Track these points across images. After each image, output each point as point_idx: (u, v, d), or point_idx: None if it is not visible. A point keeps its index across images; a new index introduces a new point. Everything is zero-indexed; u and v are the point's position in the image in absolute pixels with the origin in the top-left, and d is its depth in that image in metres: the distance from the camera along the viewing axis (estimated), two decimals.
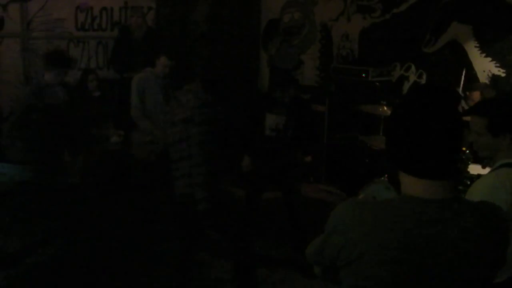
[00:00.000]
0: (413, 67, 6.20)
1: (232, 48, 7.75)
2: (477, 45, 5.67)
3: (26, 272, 1.69)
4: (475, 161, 4.54)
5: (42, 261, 1.68)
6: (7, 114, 5.49)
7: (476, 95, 5.11)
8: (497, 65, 5.53)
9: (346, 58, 6.86)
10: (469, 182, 4.15)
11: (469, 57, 5.73)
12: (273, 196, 5.29)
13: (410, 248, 1.47)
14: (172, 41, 7.29)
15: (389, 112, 5.08)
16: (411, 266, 1.47)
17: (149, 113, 5.21)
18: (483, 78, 5.60)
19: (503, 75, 5.50)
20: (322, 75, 7.11)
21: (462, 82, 5.39)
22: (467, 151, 4.40)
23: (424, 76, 6.12)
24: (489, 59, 5.59)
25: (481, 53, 5.65)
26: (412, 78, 6.21)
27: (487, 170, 4.22)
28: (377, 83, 6.04)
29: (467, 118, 3.26)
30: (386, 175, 5.15)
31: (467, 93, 5.27)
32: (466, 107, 5.10)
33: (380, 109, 5.26)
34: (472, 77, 5.67)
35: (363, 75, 6.00)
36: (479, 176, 4.02)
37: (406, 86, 6.24)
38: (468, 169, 4.39)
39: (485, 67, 5.61)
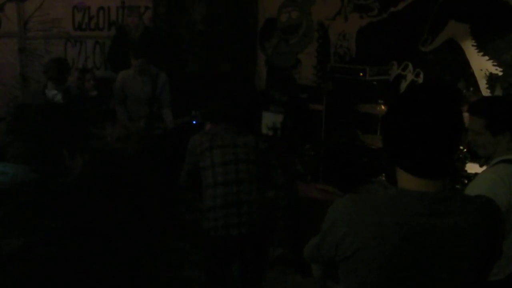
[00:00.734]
0: (410, 66, 6.19)
1: (229, 47, 7.75)
2: (475, 43, 5.67)
3: (26, 271, 1.68)
4: (473, 160, 4.55)
5: (42, 260, 1.68)
6: (4, 114, 5.49)
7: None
8: (495, 63, 5.53)
9: (344, 57, 6.85)
10: (466, 181, 4.16)
11: (466, 56, 5.72)
12: (271, 194, 5.28)
13: (406, 240, 1.48)
14: (169, 40, 7.29)
15: (386, 110, 5.08)
16: (408, 258, 1.49)
17: (130, 108, 5.25)
18: (480, 77, 5.60)
19: (500, 73, 5.50)
20: (319, 74, 7.10)
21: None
22: (465, 150, 4.40)
23: (422, 75, 6.11)
24: (487, 57, 5.59)
25: (478, 51, 5.65)
26: (410, 77, 6.20)
27: (484, 168, 4.24)
28: (375, 82, 6.04)
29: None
30: (384, 174, 5.15)
31: None
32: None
33: (378, 108, 5.26)
34: (469, 75, 5.67)
35: (361, 74, 5.99)
36: (476, 175, 4.02)
37: (404, 85, 6.24)
38: (466, 168, 4.39)
39: (483, 65, 5.61)
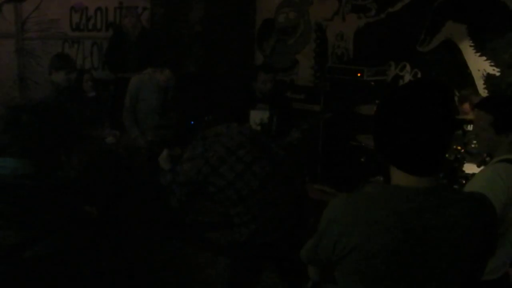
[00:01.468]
0: (408, 67, 6.21)
1: (227, 48, 7.75)
2: (472, 44, 5.68)
3: (25, 265, 1.69)
4: (470, 160, 4.56)
5: (41, 254, 1.68)
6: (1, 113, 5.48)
7: (466, 107, 5.08)
8: (492, 64, 5.54)
9: (341, 57, 6.86)
10: (464, 181, 4.16)
11: (464, 56, 5.74)
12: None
13: (402, 237, 1.49)
14: (167, 41, 7.28)
15: (376, 108, 5.08)
16: (404, 255, 1.49)
17: (140, 116, 5.18)
18: (477, 77, 5.61)
19: (498, 74, 5.52)
20: (317, 74, 7.12)
21: None
22: (462, 150, 4.40)
23: (419, 75, 6.12)
24: (484, 58, 5.60)
25: (475, 52, 5.66)
26: (407, 77, 6.21)
27: (482, 168, 4.24)
28: (372, 83, 6.05)
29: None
30: (381, 175, 5.15)
31: (458, 105, 5.20)
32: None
33: (375, 109, 5.26)
34: (466, 76, 5.68)
35: (358, 74, 6.00)
36: (474, 175, 4.02)
37: None
38: (463, 168, 4.40)
39: (480, 66, 5.62)
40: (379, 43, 6.39)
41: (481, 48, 5.62)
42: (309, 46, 7.22)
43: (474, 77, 5.64)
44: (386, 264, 1.49)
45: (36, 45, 6.36)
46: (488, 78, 5.52)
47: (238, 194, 2.98)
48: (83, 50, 6.88)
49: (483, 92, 5.54)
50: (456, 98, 5.16)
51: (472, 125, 4.90)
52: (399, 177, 1.57)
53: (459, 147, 4.38)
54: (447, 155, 4.10)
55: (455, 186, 4.06)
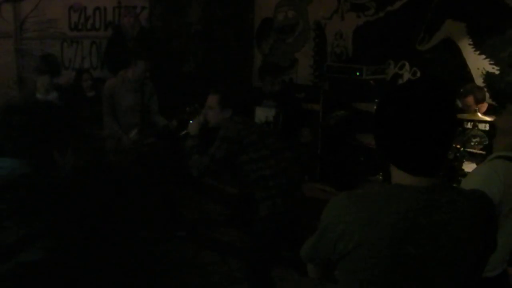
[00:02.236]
0: (407, 65, 6.20)
1: (226, 47, 7.75)
2: (471, 42, 5.67)
3: (24, 264, 1.69)
4: (470, 159, 4.56)
5: (40, 253, 1.69)
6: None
7: (470, 100, 5.08)
8: (491, 62, 5.54)
9: (340, 56, 6.86)
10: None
11: (463, 55, 5.73)
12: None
13: (403, 235, 1.48)
14: (165, 40, 7.28)
15: (376, 106, 5.07)
16: (405, 253, 1.49)
17: (120, 117, 5.19)
18: (477, 75, 5.61)
19: (497, 72, 5.51)
20: (316, 73, 7.11)
21: None
22: (462, 149, 4.41)
23: (418, 74, 6.12)
24: (483, 56, 5.60)
25: (475, 50, 5.65)
26: (406, 76, 6.21)
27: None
28: (371, 81, 6.05)
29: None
30: (381, 173, 5.16)
31: (461, 98, 5.20)
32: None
33: (374, 107, 5.26)
34: (466, 74, 5.68)
35: (357, 73, 6.00)
36: None
37: None
38: (463, 167, 4.40)
39: (479, 64, 5.62)
40: (378, 41, 6.39)
41: (480, 47, 5.62)
42: (308, 45, 7.22)
43: (473, 75, 5.63)
44: (388, 263, 1.49)
45: (34, 45, 6.35)
46: (487, 77, 5.52)
47: (262, 174, 3.57)
48: (82, 50, 6.87)
49: None
50: (461, 91, 5.17)
51: (470, 123, 4.92)
52: (399, 177, 1.56)
53: (458, 146, 4.39)
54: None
55: (455, 185, 4.07)
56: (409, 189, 1.52)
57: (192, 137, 3.93)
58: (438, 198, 1.51)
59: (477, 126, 4.86)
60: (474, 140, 4.72)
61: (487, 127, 4.92)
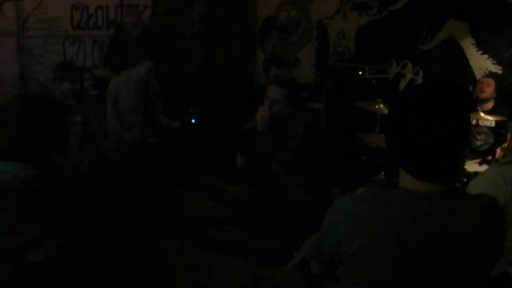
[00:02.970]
0: (409, 65, 6.19)
1: (228, 46, 7.74)
2: (474, 42, 5.66)
3: (29, 267, 1.69)
4: (472, 159, 4.55)
5: (45, 255, 1.68)
6: None
7: (487, 80, 5.12)
8: (494, 62, 5.53)
9: (343, 55, 6.85)
10: (465, 180, 4.16)
11: (465, 54, 5.72)
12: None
13: (408, 241, 1.46)
14: (167, 39, 7.28)
15: (385, 109, 5.08)
16: (409, 258, 1.46)
17: (123, 115, 5.19)
18: (479, 75, 5.60)
19: (500, 72, 5.50)
20: (319, 72, 7.11)
21: None
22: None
23: (421, 74, 6.11)
24: (486, 56, 5.58)
25: (477, 50, 5.64)
26: (409, 75, 6.20)
27: (484, 167, 4.25)
28: (374, 81, 6.04)
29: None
30: (383, 173, 5.15)
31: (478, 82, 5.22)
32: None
33: (377, 107, 5.26)
34: (468, 74, 5.67)
35: (360, 72, 5.99)
36: (475, 173, 4.02)
37: (403, 84, 6.24)
38: (465, 167, 4.39)
39: (482, 64, 5.61)
40: (380, 41, 6.38)
41: (483, 46, 5.61)
42: (310, 44, 7.21)
43: (476, 75, 5.62)
44: (390, 268, 1.47)
45: (37, 44, 6.36)
46: (490, 76, 5.50)
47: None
48: (84, 49, 6.87)
49: None
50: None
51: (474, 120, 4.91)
52: (407, 180, 1.54)
53: None
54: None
55: (457, 185, 4.06)
56: (415, 194, 1.50)
57: (262, 133, 3.95)
58: (444, 204, 1.49)
59: (479, 124, 4.86)
60: (479, 138, 4.71)
61: (492, 123, 4.90)
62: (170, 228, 5.03)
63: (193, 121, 5.20)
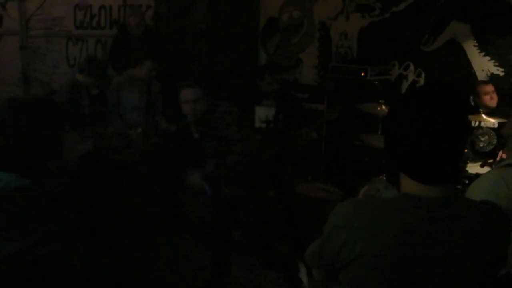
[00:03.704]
0: (411, 66, 6.20)
1: (231, 46, 7.74)
2: (476, 44, 5.67)
3: (23, 273, 1.68)
4: (474, 160, 4.55)
5: (38, 262, 1.67)
6: None
7: (490, 87, 5.11)
8: (496, 64, 5.53)
9: (345, 57, 6.85)
10: (467, 181, 4.15)
11: (468, 56, 5.73)
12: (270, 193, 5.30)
13: (409, 247, 1.45)
14: (170, 39, 7.29)
15: (387, 111, 5.08)
16: (411, 265, 1.45)
17: (125, 115, 5.21)
18: (482, 77, 5.60)
19: (502, 74, 5.51)
20: (321, 73, 7.11)
21: None
22: (466, 150, 4.40)
23: (423, 75, 6.12)
24: (488, 58, 5.59)
25: (480, 52, 5.65)
26: (411, 77, 6.21)
27: (485, 169, 4.25)
28: (376, 82, 6.04)
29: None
30: (384, 174, 5.15)
31: (478, 88, 5.20)
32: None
33: (379, 108, 5.26)
34: (471, 76, 5.67)
35: (362, 74, 6.00)
36: (477, 175, 4.01)
37: (405, 85, 6.24)
38: (467, 168, 4.39)
39: (484, 66, 5.62)
40: (383, 42, 6.38)
41: (485, 48, 5.61)
42: (312, 45, 7.21)
43: (478, 77, 5.63)
44: (392, 275, 1.46)
45: (40, 43, 6.36)
46: (492, 78, 5.51)
47: None
48: (87, 48, 6.88)
49: None
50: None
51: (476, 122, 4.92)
52: (409, 185, 1.52)
53: None
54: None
55: (458, 186, 4.05)
56: (416, 200, 1.48)
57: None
58: (447, 211, 1.47)
59: (481, 126, 4.86)
60: (482, 139, 4.71)
61: (495, 124, 4.90)
62: (171, 228, 5.04)
63: None
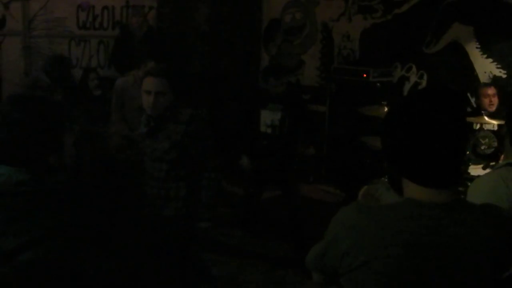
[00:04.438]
0: (414, 68, 6.19)
1: (233, 48, 7.75)
2: (478, 46, 5.67)
3: (20, 270, 1.68)
4: (476, 163, 4.55)
5: (36, 259, 1.67)
6: None
7: (492, 90, 5.11)
8: (498, 66, 5.53)
9: (347, 58, 6.85)
10: (469, 183, 4.14)
11: (470, 58, 5.72)
12: (274, 195, 5.31)
13: (415, 252, 1.43)
14: (173, 40, 7.30)
15: (386, 114, 5.08)
16: (415, 271, 1.44)
17: (128, 116, 5.20)
18: (484, 79, 5.60)
19: (504, 76, 5.50)
20: (323, 75, 7.11)
21: None
22: (468, 152, 4.39)
23: (425, 77, 6.11)
24: (490, 60, 5.59)
25: (482, 54, 5.65)
26: (413, 78, 6.20)
27: (487, 171, 4.23)
28: (378, 84, 6.04)
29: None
30: (386, 176, 5.14)
31: (480, 90, 5.21)
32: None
33: (381, 110, 5.26)
34: (473, 77, 5.67)
35: (364, 75, 6.00)
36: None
37: (407, 87, 6.24)
38: (469, 170, 4.38)
39: (486, 68, 5.61)
40: (385, 44, 6.38)
41: (487, 50, 5.61)
42: (315, 47, 7.22)
43: (480, 79, 5.62)
44: (397, 281, 1.44)
45: (42, 43, 6.38)
46: (494, 80, 5.50)
47: None
48: (90, 49, 6.90)
49: None
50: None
51: (478, 124, 4.92)
52: (412, 190, 1.51)
53: None
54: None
55: (460, 189, 4.05)
56: (421, 205, 1.47)
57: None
58: (451, 216, 1.46)
59: (483, 128, 4.86)
60: (483, 142, 4.71)
61: (495, 127, 4.91)
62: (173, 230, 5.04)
63: None
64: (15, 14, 6.19)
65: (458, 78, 5.77)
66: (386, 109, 5.21)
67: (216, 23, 7.73)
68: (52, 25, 6.51)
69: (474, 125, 4.97)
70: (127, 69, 5.69)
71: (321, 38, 7.12)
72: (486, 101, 5.07)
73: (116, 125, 5.20)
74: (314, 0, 7.12)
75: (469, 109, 5.19)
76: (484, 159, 4.67)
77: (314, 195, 6.16)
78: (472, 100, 5.19)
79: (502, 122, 4.70)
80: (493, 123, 4.82)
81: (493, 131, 4.94)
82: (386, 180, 5.03)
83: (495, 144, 4.63)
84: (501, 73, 5.52)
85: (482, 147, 4.92)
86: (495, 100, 5.09)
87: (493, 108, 5.05)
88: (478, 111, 4.98)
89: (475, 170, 4.41)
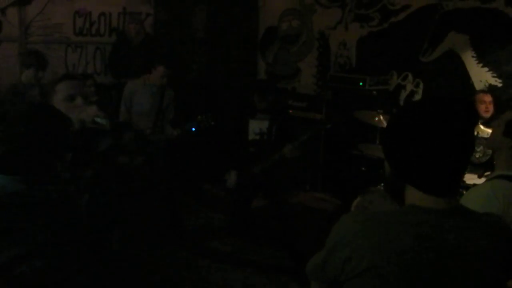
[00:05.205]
0: (410, 76, 6.21)
1: (229, 55, 7.76)
2: (474, 55, 5.69)
3: (15, 283, 1.65)
4: (471, 171, 4.55)
5: (30, 272, 1.64)
6: None
7: (488, 97, 5.14)
8: (494, 75, 5.55)
9: (344, 66, 6.87)
10: (464, 192, 4.14)
11: (466, 67, 5.74)
12: (263, 203, 5.31)
13: (421, 258, 1.43)
14: (169, 47, 7.30)
15: (385, 121, 5.09)
16: (420, 276, 1.43)
17: (135, 120, 5.20)
18: (479, 87, 5.62)
19: (500, 85, 5.52)
20: (319, 83, 7.12)
21: None
22: None
23: (421, 85, 6.13)
24: (486, 69, 5.61)
25: (478, 63, 5.66)
26: (409, 87, 6.22)
27: (483, 180, 4.24)
28: (374, 92, 6.05)
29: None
30: (382, 184, 5.14)
31: (476, 96, 5.24)
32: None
33: (377, 118, 5.27)
34: (468, 86, 5.68)
35: (360, 83, 6.01)
36: (474, 186, 4.01)
37: (403, 95, 6.25)
38: (464, 179, 4.39)
39: (482, 77, 5.63)
40: (381, 52, 6.40)
41: (483, 59, 5.63)
42: (311, 55, 7.23)
43: (476, 87, 5.64)
44: (401, 287, 1.44)
45: (39, 49, 6.37)
46: (490, 89, 5.52)
47: None
48: (86, 55, 6.90)
49: None
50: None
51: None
52: (414, 196, 1.51)
53: None
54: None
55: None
56: (423, 212, 1.47)
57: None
58: (455, 222, 1.46)
59: (478, 136, 4.87)
60: (478, 150, 4.72)
61: (489, 135, 4.92)
62: (169, 237, 5.03)
63: (193, 129, 5.20)
64: (11, 19, 6.19)
65: (454, 87, 5.78)
66: (382, 117, 5.23)
67: (213, 30, 7.75)
68: (49, 31, 6.51)
69: None
70: (124, 75, 5.69)
71: (318, 46, 7.14)
72: (482, 107, 5.10)
73: (125, 134, 5.19)
74: (311, 8, 7.13)
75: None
76: (479, 168, 4.68)
77: (310, 203, 6.16)
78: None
79: None
80: (488, 131, 4.83)
81: (487, 139, 4.95)
82: (382, 188, 5.07)
83: (490, 152, 4.63)
84: (496, 82, 5.54)
85: (477, 155, 4.94)
86: (491, 108, 5.12)
87: (488, 115, 5.08)
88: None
89: (471, 178, 4.42)
